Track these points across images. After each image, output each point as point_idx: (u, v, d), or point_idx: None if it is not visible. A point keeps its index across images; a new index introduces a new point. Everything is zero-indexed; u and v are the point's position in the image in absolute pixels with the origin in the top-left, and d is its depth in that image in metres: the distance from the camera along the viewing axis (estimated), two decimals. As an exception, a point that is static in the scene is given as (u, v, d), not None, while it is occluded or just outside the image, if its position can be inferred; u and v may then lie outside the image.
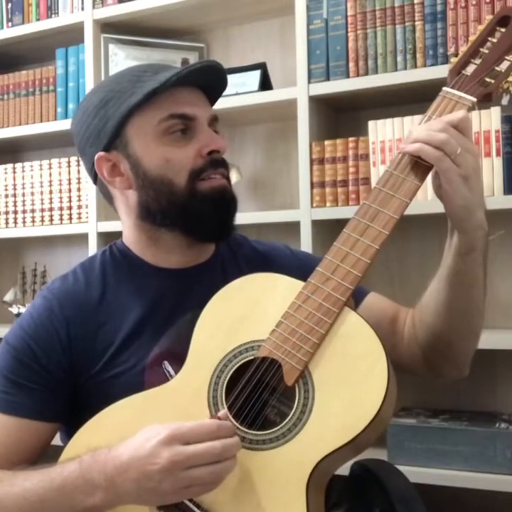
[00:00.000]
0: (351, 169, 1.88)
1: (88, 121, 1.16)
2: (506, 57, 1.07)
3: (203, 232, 1.18)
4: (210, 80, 1.18)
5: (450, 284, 1.11)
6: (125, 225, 1.24)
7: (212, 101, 1.23)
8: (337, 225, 1.90)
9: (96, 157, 1.16)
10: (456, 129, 1.02)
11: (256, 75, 2.03)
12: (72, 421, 1.13)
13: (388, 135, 1.83)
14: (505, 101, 1.06)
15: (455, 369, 1.22)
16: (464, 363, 1.21)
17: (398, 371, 1.17)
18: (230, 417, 1.00)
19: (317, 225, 1.90)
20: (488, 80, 1.07)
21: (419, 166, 1.05)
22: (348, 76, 1.87)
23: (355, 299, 1.05)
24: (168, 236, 1.18)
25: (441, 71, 1.70)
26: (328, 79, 1.90)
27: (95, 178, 1.21)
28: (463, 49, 1.11)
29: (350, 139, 1.89)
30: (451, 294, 1.11)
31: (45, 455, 1.15)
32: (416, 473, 1.58)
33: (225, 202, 1.17)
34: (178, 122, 1.14)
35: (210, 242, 1.23)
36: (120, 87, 1.15)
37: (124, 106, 1.13)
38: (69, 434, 1.11)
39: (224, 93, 1.24)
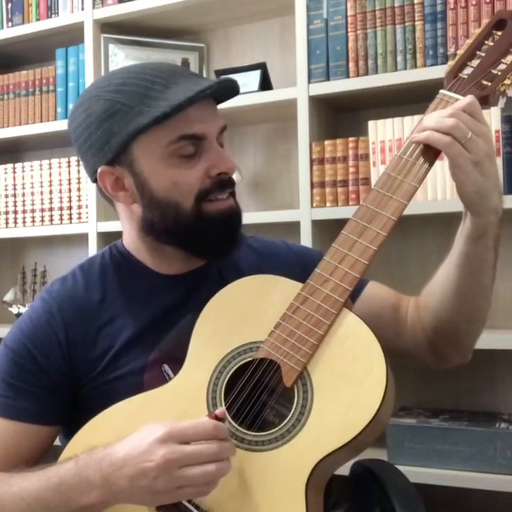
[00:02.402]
0: (351, 169, 1.88)
1: (90, 130, 1.12)
2: (502, 61, 1.07)
3: (208, 251, 1.16)
4: (221, 92, 1.14)
5: (459, 267, 1.10)
6: (126, 231, 1.22)
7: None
8: (337, 225, 1.90)
9: (99, 171, 1.13)
10: (465, 113, 1.02)
11: (256, 75, 2.03)
12: (72, 424, 1.12)
13: (388, 135, 1.83)
14: (501, 104, 1.07)
15: (459, 354, 1.22)
16: (468, 348, 1.21)
17: (403, 359, 1.16)
18: (229, 417, 1.00)
19: (317, 225, 1.90)
20: (484, 82, 1.07)
21: (425, 157, 1.05)
22: (348, 76, 1.87)
23: (355, 288, 1.05)
24: (171, 249, 1.17)
25: (441, 71, 1.66)
26: (328, 79, 1.90)
27: (95, 180, 1.17)
28: (460, 52, 1.11)
29: (350, 139, 1.89)
30: (460, 278, 1.11)
31: (45, 458, 1.15)
32: (416, 473, 1.58)
33: (232, 223, 1.15)
34: (188, 143, 1.09)
35: (215, 260, 1.21)
36: (126, 100, 1.08)
37: (131, 126, 1.08)
38: (68, 436, 1.10)
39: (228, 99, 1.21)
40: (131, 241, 1.21)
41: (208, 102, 1.12)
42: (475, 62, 1.09)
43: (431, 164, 1.05)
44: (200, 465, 0.91)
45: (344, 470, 1.12)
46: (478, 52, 1.09)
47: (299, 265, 1.20)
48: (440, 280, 1.16)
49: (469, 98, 1.04)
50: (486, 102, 1.07)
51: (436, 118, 1.03)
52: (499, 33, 1.09)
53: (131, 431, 0.97)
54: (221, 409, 0.98)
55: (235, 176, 2.03)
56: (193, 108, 1.07)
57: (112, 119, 1.09)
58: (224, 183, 1.13)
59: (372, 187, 1.07)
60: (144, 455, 0.92)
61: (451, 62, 1.11)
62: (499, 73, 1.07)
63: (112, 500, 0.96)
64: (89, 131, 1.12)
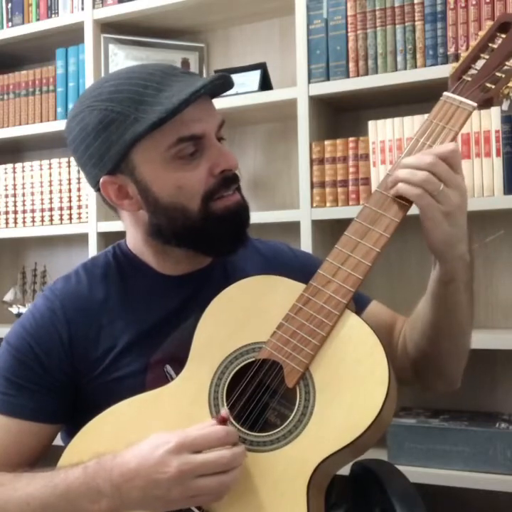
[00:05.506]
0: (351, 169, 1.88)
1: (87, 142, 1.10)
2: (507, 63, 1.07)
3: (219, 249, 1.16)
4: (216, 89, 1.13)
5: (433, 307, 1.12)
6: (131, 235, 1.21)
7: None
8: (337, 225, 1.91)
9: (101, 182, 1.12)
10: (445, 162, 1.00)
11: (256, 75, 2.03)
12: (73, 422, 1.12)
13: (388, 135, 1.83)
14: (505, 106, 1.07)
15: (445, 383, 1.23)
16: (453, 379, 1.22)
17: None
18: (231, 418, 1.00)
19: (317, 225, 1.90)
20: (488, 85, 1.07)
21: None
22: (348, 76, 1.88)
23: (358, 306, 1.04)
24: (178, 250, 1.16)
25: (441, 71, 1.70)
26: (328, 79, 1.90)
27: (98, 189, 1.15)
28: (463, 55, 1.11)
29: (350, 139, 1.89)
30: (434, 316, 1.12)
31: (46, 456, 1.15)
32: (416, 473, 1.58)
33: (239, 218, 1.15)
34: (187, 145, 1.07)
35: (225, 256, 1.20)
36: (120, 108, 1.06)
37: (128, 134, 1.06)
38: (70, 435, 1.10)
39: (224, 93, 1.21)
40: (136, 244, 1.20)
41: (203, 100, 1.10)
42: (479, 65, 1.09)
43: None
44: (215, 475, 0.92)
45: (344, 470, 1.12)
46: (482, 55, 1.09)
47: (301, 270, 1.19)
48: (419, 316, 1.16)
49: (451, 145, 1.02)
50: (489, 104, 1.08)
51: (408, 171, 1.01)
52: (503, 36, 1.09)
53: (134, 431, 0.97)
54: (224, 411, 0.98)
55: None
56: (188, 108, 1.06)
57: (108, 129, 1.07)
58: (229, 180, 1.12)
59: (376, 189, 1.07)
60: (156, 466, 0.92)
61: (455, 65, 1.11)
62: (503, 76, 1.07)
63: (123, 509, 0.96)
64: (86, 143, 1.10)
